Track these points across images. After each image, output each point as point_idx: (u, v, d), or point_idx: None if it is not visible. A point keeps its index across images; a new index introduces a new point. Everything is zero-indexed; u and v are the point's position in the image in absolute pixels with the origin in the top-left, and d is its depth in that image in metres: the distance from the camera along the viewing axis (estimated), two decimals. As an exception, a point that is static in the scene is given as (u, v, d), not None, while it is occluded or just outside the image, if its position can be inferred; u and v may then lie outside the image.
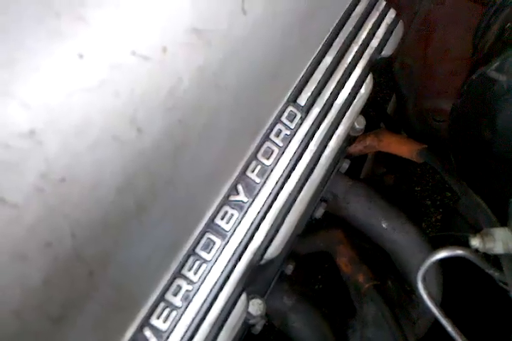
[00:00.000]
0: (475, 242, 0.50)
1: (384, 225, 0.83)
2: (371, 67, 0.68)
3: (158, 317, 0.46)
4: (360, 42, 0.66)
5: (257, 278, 0.60)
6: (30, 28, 0.37)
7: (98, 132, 0.39)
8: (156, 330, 0.45)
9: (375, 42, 0.68)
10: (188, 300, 0.48)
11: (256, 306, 0.57)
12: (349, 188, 0.84)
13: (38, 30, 0.38)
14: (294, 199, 0.58)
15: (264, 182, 0.55)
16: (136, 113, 0.41)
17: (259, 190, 0.55)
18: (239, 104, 0.49)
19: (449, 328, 0.52)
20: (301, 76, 0.59)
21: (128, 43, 0.41)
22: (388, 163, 1.15)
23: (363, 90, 0.67)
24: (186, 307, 0.48)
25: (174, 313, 0.47)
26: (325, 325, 0.76)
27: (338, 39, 0.64)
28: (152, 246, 0.44)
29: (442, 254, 0.53)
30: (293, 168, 0.58)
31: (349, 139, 0.77)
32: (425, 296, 0.54)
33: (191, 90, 0.44)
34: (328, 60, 0.63)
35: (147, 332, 0.45)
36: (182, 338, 0.47)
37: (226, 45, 0.46)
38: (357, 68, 0.66)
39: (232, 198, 0.53)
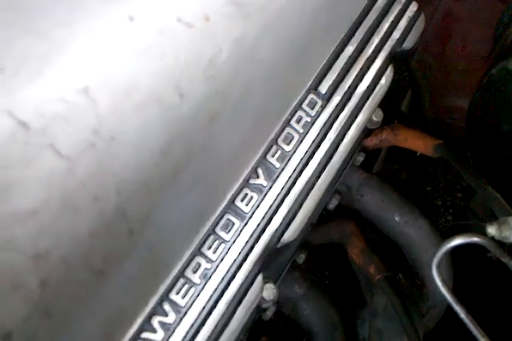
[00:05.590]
0: (491, 230, 0.51)
1: (397, 219, 0.83)
2: (392, 59, 0.69)
3: (177, 293, 0.47)
4: (381, 34, 0.67)
5: (271, 263, 0.61)
6: None
7: (145, 94, 0.40)
8: (174, 305, 0.46)
9: (396, 35, 0.69)
10: (206, 277, 0.49)
11: (269, 291, 0.57)
12: (363, 181, 0.84)
13: None
14: (312, 185, 0.59)
15: (284, 167, 0.56)
16: (180, 79, 0.42)
17: (279, 175, 0.56)
18: (270, 81, 0.51)
19: (462, 315, 0.52)
20: (323, 64, 0.60)
21: (174, 10, 0.42)
22: (401, 161, 1.16)
23: (383, 81, 0.67)
24: (204, 285, 0.49)
25: (193, 290, 0.48)
26: (335, 313, 0.76)
27: (360, 29, 0.65)
28: (182, 214, 0.45)
29: (458, 241, 0.53)
30: (312, 155, 0.59)
31: (366, 131, 0.77)
32: (439, 283, 0.55)
33: (229, 61, 0.46)
34: (350, 49, 0.63)
35: (166, 306, 0.46)
36: (199, 314, 0.48)
37: (262, 19, 0.48)
38: (378, 59, 0.66)
39: (252, 181, 0.54)
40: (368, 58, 0.65)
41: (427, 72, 1.06)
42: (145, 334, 0.44)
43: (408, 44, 0.71)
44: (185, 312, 0.47)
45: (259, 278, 0.54)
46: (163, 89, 0.42)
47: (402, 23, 0.70)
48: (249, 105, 0.49)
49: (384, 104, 0.74)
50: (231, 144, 0.48)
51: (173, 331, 0.46)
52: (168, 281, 0.46)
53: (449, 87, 1.04)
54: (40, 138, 0.35)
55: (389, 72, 0.68)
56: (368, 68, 0.65)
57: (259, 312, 0.63)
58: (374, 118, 0.72)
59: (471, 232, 0.52)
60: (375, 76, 0.65)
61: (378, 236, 0.89)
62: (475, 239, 0.52)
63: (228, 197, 0.52)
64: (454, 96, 1.04)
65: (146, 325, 0.44)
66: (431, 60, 1.04)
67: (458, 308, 0.53)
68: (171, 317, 0.46)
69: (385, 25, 0.68)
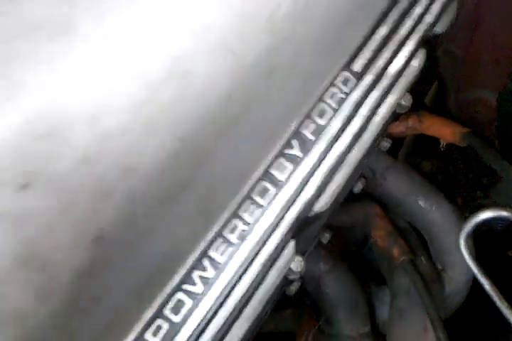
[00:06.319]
0: (519, 205, 0.52)
1: (421, 203, 0.84)
2: (423, 43, 0.71)
3: (216, 250, 0.49)
4: (414, 17, 0.69)
5: (300, 235, 0.63)
6: None
7: (215, 38, 0.44)
8: (213, 261, 0.49)
9: (428, 18, 0.70)
10: (242, 238, 0.51)
11: (297, 263, 0.59)
12: (389, 165, 0.86)
13: None
14: (343, 160, 0.61)
15: (317, 139, 0.58)
16: (244, 29, 0.46)
17: (312, 147, 0.58)
18: (317, 45, 0.53)
19: (488, 288, 0.54)
20: (358, 42, 0.62)
21: None
22: (425, 153, 1.16)
23: (415, 63, 0.69)
24: (241, 245, 0.51)
25: (230, 249, 0.50)
26: (359, 291, 0.78)
27: (393, 11, 0.66)
28: (229, 168, 0.48)
29: (487, 214, 0.54)
30: (344, 130, 0.61)
31: (395, 115, 0.79)
32: (466, 255, 0.56)
33: (286, 19, 0.48)
34: (382, 30, 0.65)
35: (206, 262, 0.48)
36: (236, 272, 0.50)
37: None
38: (410, 41, 0.68)
39: (287, 151, 0.56)
40: (400, 40, 0.67)
41: (453, 63, 1.06)
42: (186, 286, 0.47)
43: (440, 28, 0.73)
44: (224, 269, 0.49)
45: (292, 243, 0.56)
46: (230, 36, 0.45)
47: (435, 8, 0.71)
48: (298, 68, 0.51)
49: (412, 91, 0.76)
50: (282, 101, 0.51)
51: (212, 285, 0.48)
52: (207, 239, 0.49)
53: (476, 79, 1.04)
54: (131, 69, 0.40)
55: (420, 55, 0.70)
56: (401, 49, 0.67)
57: (286, 284, 0.65)
58: (403, 103, 0.74)
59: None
60: (407, 57, 0.67)
61: (400, 222, 0.91)
62: (504, 213, 0.53)
63: (265, 164, 0.54)
64: (480, 89, 1.03)
65: (187, 278, 0.47)
66: (457, 50, 1.04)
67: (484, 281, 0.54)
68: (210, 273, 0.48)
69: (418, 8, 0.69)
